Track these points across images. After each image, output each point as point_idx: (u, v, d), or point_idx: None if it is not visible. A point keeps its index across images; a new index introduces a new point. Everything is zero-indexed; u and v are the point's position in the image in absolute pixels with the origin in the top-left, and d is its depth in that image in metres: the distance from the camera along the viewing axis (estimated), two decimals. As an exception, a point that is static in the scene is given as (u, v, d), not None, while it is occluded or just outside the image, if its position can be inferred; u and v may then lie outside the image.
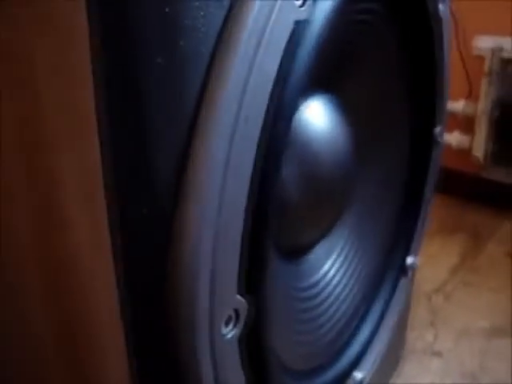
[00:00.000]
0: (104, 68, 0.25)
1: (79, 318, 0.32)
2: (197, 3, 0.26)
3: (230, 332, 0.32)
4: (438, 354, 0.86)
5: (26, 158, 0.29)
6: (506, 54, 1.14)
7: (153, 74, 0.25)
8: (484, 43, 1.18)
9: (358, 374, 0.57)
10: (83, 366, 0.33)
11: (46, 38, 0.25)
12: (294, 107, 0.34)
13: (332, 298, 0.57)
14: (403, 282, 0.66)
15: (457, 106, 1.23)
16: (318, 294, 0.56)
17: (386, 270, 0.63)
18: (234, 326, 0.33)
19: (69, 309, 0.32)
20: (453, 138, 1.26)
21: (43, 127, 0.27)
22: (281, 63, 0.31)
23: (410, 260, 0.66)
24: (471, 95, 1.22)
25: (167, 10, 0.25)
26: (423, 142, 0.64)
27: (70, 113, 0.26)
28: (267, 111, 0.30)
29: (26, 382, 0.37)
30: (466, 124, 1.23)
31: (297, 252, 0.54)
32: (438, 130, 0.64)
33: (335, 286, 0.58)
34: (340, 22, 0.40)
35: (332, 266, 0.59)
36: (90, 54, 0.24)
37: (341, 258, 0.60)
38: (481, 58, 1.19)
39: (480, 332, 0.90)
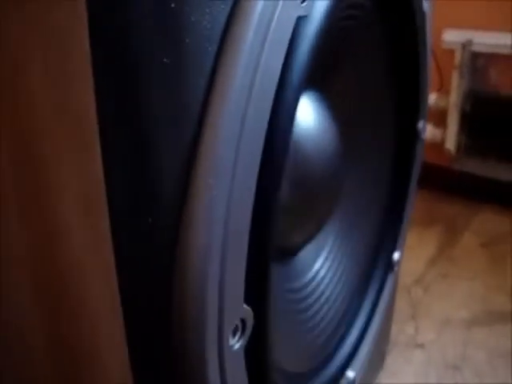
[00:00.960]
0: (106, 70, 0.23)
1: (78, 332, 0.30)
2: (202, -2, 0.24)
3: (237, 343, 0.31)
4: (421, 346, 0.87)
5: (21, 166, 0.27)
6: (475, 48, 1.16)
7: (158, 74, 0.23)
8: (454, 37, 1.19)
9: (350, 373, 0.57)
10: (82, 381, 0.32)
11: (41, 39, 0.23)
12: (296, 104, 0.32)
13: (323, 297, 0.57)
14: (390, 277, 0.66)
15: (428, 99, 1.24)
16: (309, 294, 0.55)
17: (374, 266, 0.63)
18: (241, 336, 0.31)
19: (66, 322, 0.30)
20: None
21: (40, 134, 0.25)
22: (285, 59, 0.29)
23: (396, 255, 0.66)
24: (442, 88, 1.24)
25: (173, 5, 0.23)
26: (407, 137, 0.64)
27: (68, 117, 0.24)
28: (273, 109, 0.29)
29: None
30: (438, 117, 1.24)
31: (286, 253, 0.53)
32: (420, 124, 0.64)
33: (325, 286, 0.58)
34: (334, 17, 0.39)
35: (321, 265, 0.58)
36: (91, 54, 0.22)
37: (329, 258, 0.60)
38: (451, 52, 1.20)
39: (460, 322, 0.91)
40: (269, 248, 0.33)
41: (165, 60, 0.23)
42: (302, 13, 0.31)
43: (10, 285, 0.32)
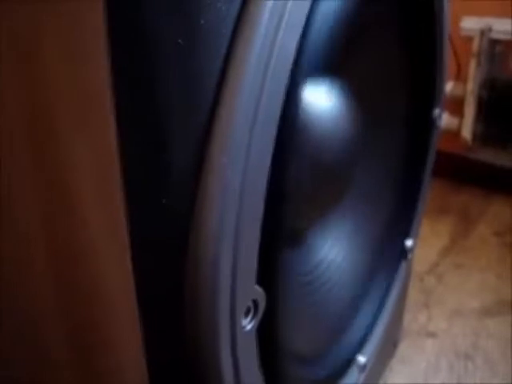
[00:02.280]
0: (121, 49, 0.23)
1: (92, 316, 0.30)
2: (218, -21, 0.24)
3: (249, 324, 0.31)
4: (433, 335, 0.86)
5: (36, 145, 0.27)
6: (494, 35, 1.14)
7: (174, 55, 0.24)
8: (472, 24, 1.17)
9: (361, 358, 0.57)
10: (96, 365, 0.32)
11: (56, 18, 0.23)
12: (308, 88, 0.32)
13: (334, 281, 0.57)
14: (402, 264, 0.66)
15: (445, 87, 1.22)
16: (320, 278, 0.56)
17: (387, 253, 0.63)
18: (253, 317, 0.32)
19: (81, 306, 0.31)
20: (441, 120, 1.26)
21: (54, 112, 0.25)
22: (300, 41, 0.29)
23: (409, 243, 0.65)
24: (460, 76, 1.22)
25: (188, -14, 0.23)
26: (422, 124, 0.63)
27: (83, 96, 0.24)
28: (287, 90, 0.29)
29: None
30: (455, 105, 1.23)
31: (298, 236, 0.54)
32: (436, 112, 0.64)
33: (336, 270, 0.58)
34: (350, 0, 0.39)
35: (332, 249, 0.59)
36: (107, 33, 0.23)
37: (341, 241, 0.60)
38: (469, 39, 1.18)
39: (472, 312, 0.91)
40: (280, 230, 0.34)
41: (180, 41, 0.24)
42: (317, -5, 0.31)
43: (26, 272, 0.32)
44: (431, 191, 0.73)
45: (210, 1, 0.24)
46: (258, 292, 0.31)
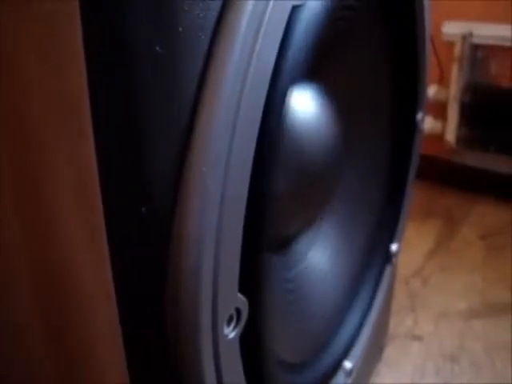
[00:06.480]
0: (98, 58, 0.23)
1: (73, 325, 0.30)
2: (195, -14, 0.24)
3: (232, 332, 0.31)
4: (419, 338, 0.87)
5: (14, 155, 0.27)
6: (475, 40, 1.16)
7: (151, 63, 0.23)
8: (454, 29, 1.18)
9: (347, 364, 0.57)
10: (77, 376, 0.32)
11: (34, 27, 0.23)
12: (290, 94, 0.32)
13: (320, 287, 0.57)
14: (387, 269, 0.66)
15: (428, 91, 1.23)
16: (306, 284, 0.56)
17: (372, 257, 0.63)
18: (236, 325, 0.31)
19: (61, 313, 0.30)
20: (425, 123, 1.27)
21: (34, 122, 0.25)
22: (280, 48, 0.29)
23: (394, 247, 0.66)
24: (442, 81, 1.23)
25: (165, -7, 0.23)
26: (406, 128, 0.64)
27: (62, 104, 0.24)
28: (267, 99, 0.29)
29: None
30: (438, 109, 1.24)
31: (282, 242, 0.53)
32: (419, 116, 0.64)
33: (322, 276, 0.58)
34: (330, 6, 0.39)
35: (318, 255, 0.58)
36: (84, 42, 0.22)
37: (326, 248, 0.60)
38: (451, 44, 1.20)
39: (458, 314, 0.92)
40: (263, 237, 0.33)
41: (158, 49, 0.23)
42: (297, 2, 0.31)
43: (5, 279, 0.32)
44: (416, 195, 0.73)
45: (187, 8, 0.24)
46: (241, 300, 0.31)
